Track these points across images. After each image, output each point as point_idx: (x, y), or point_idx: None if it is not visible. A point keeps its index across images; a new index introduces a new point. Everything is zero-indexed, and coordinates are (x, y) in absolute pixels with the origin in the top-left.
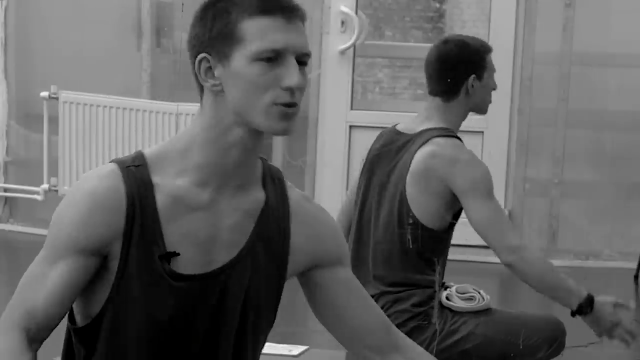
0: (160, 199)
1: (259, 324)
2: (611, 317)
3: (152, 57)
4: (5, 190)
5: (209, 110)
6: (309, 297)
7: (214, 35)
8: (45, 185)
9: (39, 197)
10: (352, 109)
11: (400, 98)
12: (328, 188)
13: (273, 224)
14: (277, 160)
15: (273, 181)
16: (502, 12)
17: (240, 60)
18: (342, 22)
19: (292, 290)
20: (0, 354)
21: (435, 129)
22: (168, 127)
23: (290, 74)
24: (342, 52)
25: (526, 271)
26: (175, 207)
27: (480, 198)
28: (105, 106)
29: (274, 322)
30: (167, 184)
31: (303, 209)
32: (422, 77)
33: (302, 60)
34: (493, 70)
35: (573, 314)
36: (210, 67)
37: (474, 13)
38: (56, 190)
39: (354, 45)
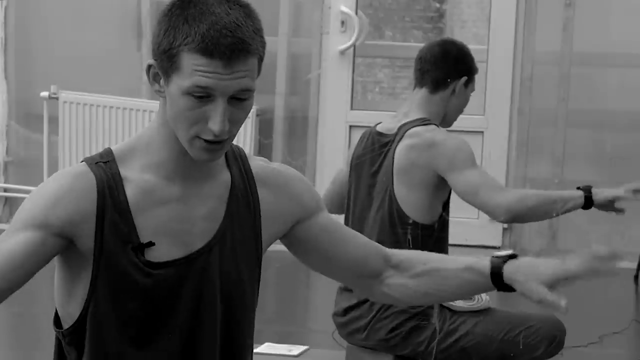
0: (130, 191)
1: (244, 301)
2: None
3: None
4: (5, 190)
5: (162, 109)
6: (296, 252)
7: (160, 51)
8: None
9: None
10: (352, 109)
11: (400, 98)
12: None
13: (242, 201)
14: (277, 160)
15: (236, 159)
16: (502, 12)
17: (175, 87)
18: (342, 22)
19: (291, 290)
20: None
21: (412, 121)
22: None
23: (215, 118)
24: (342, 52)
25: (522, 216)
26: (145, 199)
27: (463, 169)
28: (105, 106)
29: (258, 295)
30: (135, 178)
31: (265, 174)
32: None
33: (238, 97)
34: (474, 88)
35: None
36: (157, 74)
37: (474, 13)
38: None
39: (354, 45)
